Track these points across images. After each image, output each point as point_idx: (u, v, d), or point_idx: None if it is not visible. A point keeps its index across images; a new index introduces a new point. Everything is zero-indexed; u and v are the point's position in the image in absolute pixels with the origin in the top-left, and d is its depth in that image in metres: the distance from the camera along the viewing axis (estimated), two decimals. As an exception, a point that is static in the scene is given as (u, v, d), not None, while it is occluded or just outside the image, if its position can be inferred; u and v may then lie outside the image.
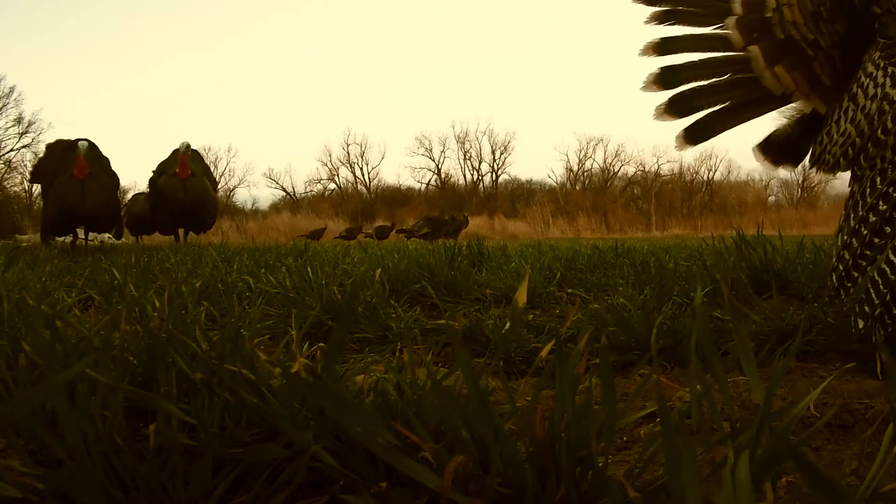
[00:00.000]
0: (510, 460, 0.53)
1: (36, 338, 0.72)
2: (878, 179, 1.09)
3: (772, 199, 31.03)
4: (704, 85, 1.34)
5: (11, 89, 23.34)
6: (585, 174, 32.42)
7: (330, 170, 29.78)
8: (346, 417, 0.53)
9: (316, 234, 14.32)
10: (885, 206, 1.06)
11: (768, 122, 1.39)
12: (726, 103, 1.35)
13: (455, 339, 0.56)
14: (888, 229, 1.05)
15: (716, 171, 31.66)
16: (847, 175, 1.24)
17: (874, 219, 1.07)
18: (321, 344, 1.09)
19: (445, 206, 25.99)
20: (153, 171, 6.08)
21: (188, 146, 5.54)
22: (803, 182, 29.91)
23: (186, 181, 5.46)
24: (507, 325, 1.29)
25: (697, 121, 1.35)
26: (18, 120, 23.83)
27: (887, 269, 1.03)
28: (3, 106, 23.16)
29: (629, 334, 1.22)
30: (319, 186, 29.73)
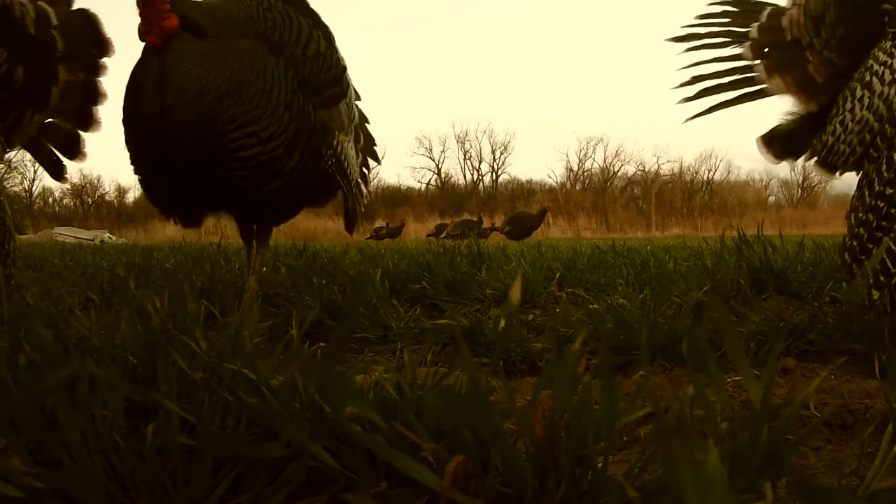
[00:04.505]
0: (510, 460, 0.53)
1: (36, 338, 0.72)
2: None
3: (772, 199, 31.10)
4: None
5: (11, 89, 23.30)
6: (585, 174, 32.49)
7: (330, 169, 29.70)
8: (339, 397, 0.53)
9: (395, 232, 13.95)
10: None
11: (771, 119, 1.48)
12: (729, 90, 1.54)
13: (457, 338, 0.56)
14: None
15: (716, 171, 31.74)
16: (846, 177, 1.26)
17: (891, 191, 1.09)
18: (321, 344, 1.09)
19: (446, 207, 25.97)
20: None
21: None
22: (803, 182, 29.96)
23: (166, 50, 1.40)
24: (502, 323, 1.29)
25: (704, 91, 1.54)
26: (18, 120, 23.76)
27: None
28: (3, 106, 23.11)
29: (628, 334, 1.22)
30: (319, 186, 29.65)
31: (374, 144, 2.35)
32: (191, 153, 1.41)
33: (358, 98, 2.18)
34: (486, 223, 13.09)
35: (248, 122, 1.42)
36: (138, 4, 1.40)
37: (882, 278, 1.07)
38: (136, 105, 1.43)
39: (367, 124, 2.25)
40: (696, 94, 1.51)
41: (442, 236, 10.65)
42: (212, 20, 1.48)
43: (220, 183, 1.47)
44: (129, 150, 1.51)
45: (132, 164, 1.54)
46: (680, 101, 1.52)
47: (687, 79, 1.52)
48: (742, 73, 1.50)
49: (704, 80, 1.51)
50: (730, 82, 1.50)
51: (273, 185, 1.50)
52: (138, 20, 1.41)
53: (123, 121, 1.51)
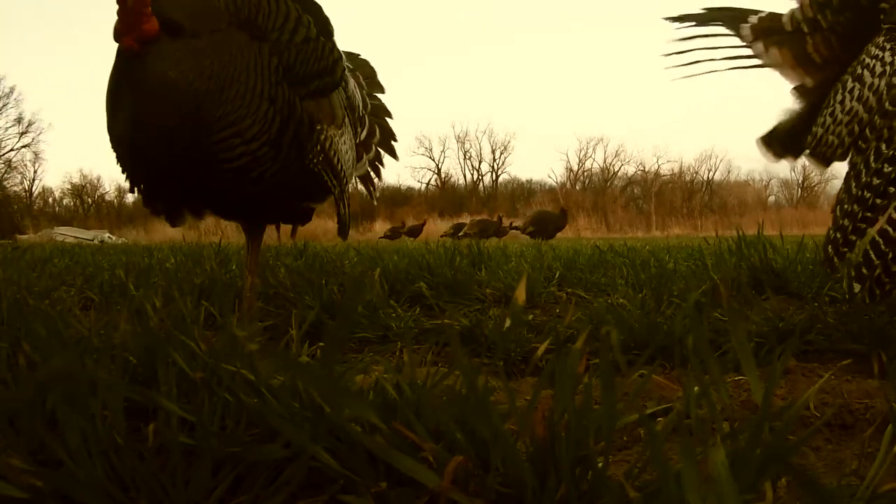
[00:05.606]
0: (510, 460, 0.53)
1: (36, 338, 0.72)
2: (884, 146, 1.10)
3: (772, 199, 31.14)
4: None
5: (11, 89, 23.43)
6: (585, 174, 32.54)
7: (330, 169, 29.79)
8: (338, 401, 0.53)
9: (415, 231, 13.92)
10: (889, 169, 1.07)
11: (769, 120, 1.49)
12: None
13: (452, 338, 0.56)
14: (892, 189, 1.06)
15: (716, 171, 31.80)
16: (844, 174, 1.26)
17: (878, 181, 1.08)
18: (321, 344, 1.09)
19: (446, 207, 25.98)
20: None
21: None
22: (803, 182, 30.00)
23: (143, 54, 1.29)
24: (507, 323, 1.29)
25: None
26: (18, 120, 23.93)
27: (889, 228, 1.04)
28: (4, 106, 23.24)
29: (628, 334, 1.22)
30: (319, 186, 29.74)
31: (394, 139, 2.20)
32: (173, 158, 1.35)
33: (381, 91, 2.12)
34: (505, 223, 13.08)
35: (231, 123, 1.35)
36: (119, 1, 1.27)
37: (864, 270, 1.06)
38: (115, 114, 1.37)
39: (388, 118, 2.15)
40: (686, 63, 1.52)
41: (459, 235, 10.60)
42: (190, 14, 1.36)
43: (201, 186, 1.41)
44: (115, 155, 1.44)
45: (122, 171, 1.47)
46: (668, 67, 1.53)
47: (679, 51, 1.53)
48: (737, 50, 1.52)
49: (697, 52, 1.52)
50: (723, 57, 1.52)
51: (256, 187, 1.43)
52: (116, 18, 1.27)
53: (108, 129, 1.42)
